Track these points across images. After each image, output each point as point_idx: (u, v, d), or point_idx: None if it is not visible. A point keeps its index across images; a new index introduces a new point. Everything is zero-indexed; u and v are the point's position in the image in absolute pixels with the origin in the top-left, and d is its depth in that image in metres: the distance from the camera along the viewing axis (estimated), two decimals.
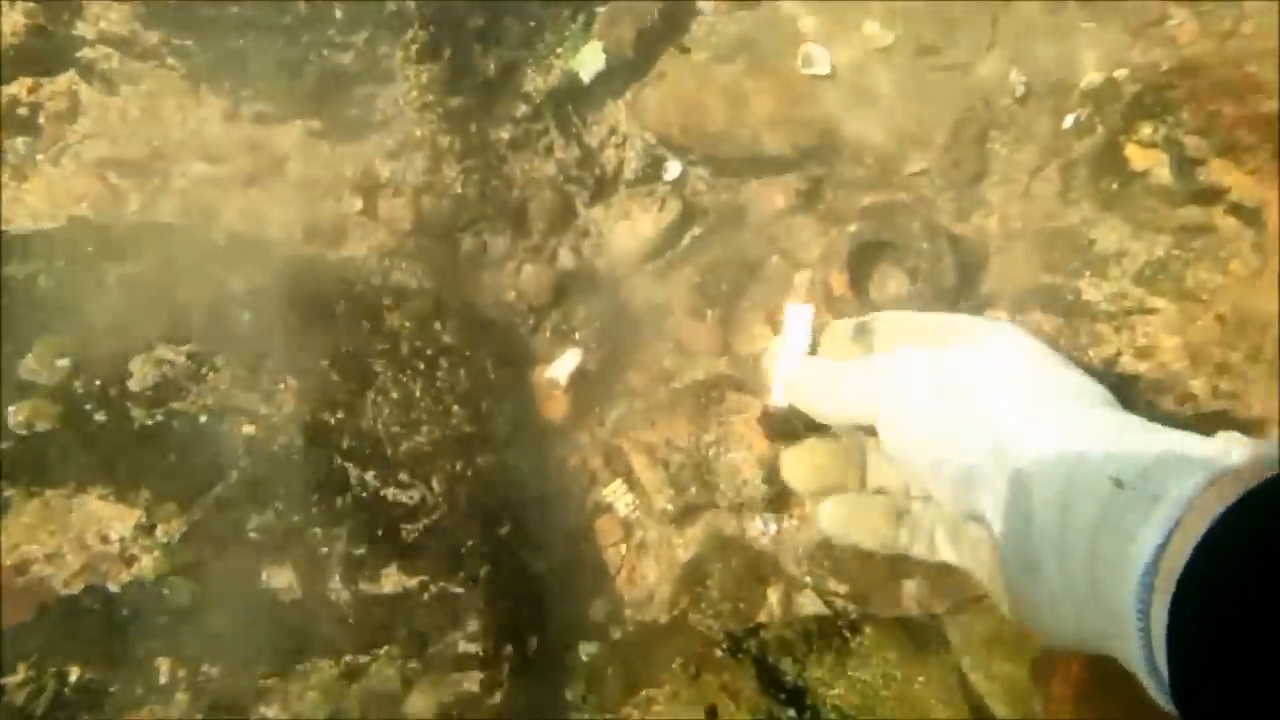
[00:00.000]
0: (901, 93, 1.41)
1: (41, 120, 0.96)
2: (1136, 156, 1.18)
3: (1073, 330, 1.31)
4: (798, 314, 0.60)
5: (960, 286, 1.39)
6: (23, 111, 0.94)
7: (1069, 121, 1.32)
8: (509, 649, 1.06)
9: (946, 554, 0.58)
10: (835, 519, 0.59)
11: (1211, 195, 1.15)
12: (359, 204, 1.11)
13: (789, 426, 0.60)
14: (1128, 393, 1.24)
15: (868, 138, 1.42)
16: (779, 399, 0.59)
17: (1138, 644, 0.41)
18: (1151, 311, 1.23)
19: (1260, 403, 1.13)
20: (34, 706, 0.82)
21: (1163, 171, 1.17)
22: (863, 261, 1.44)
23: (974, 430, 0.51)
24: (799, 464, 0.60)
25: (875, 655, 1.12)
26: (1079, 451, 0.48)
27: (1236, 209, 1.14)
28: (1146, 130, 1.16)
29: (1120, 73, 1.29)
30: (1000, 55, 1.37)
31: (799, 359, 0.59)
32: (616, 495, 1.29)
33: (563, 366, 1.27)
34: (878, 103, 1.41)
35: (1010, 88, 1.36)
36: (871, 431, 0.56)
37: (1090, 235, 1.29)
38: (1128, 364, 1.25)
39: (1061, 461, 0.49)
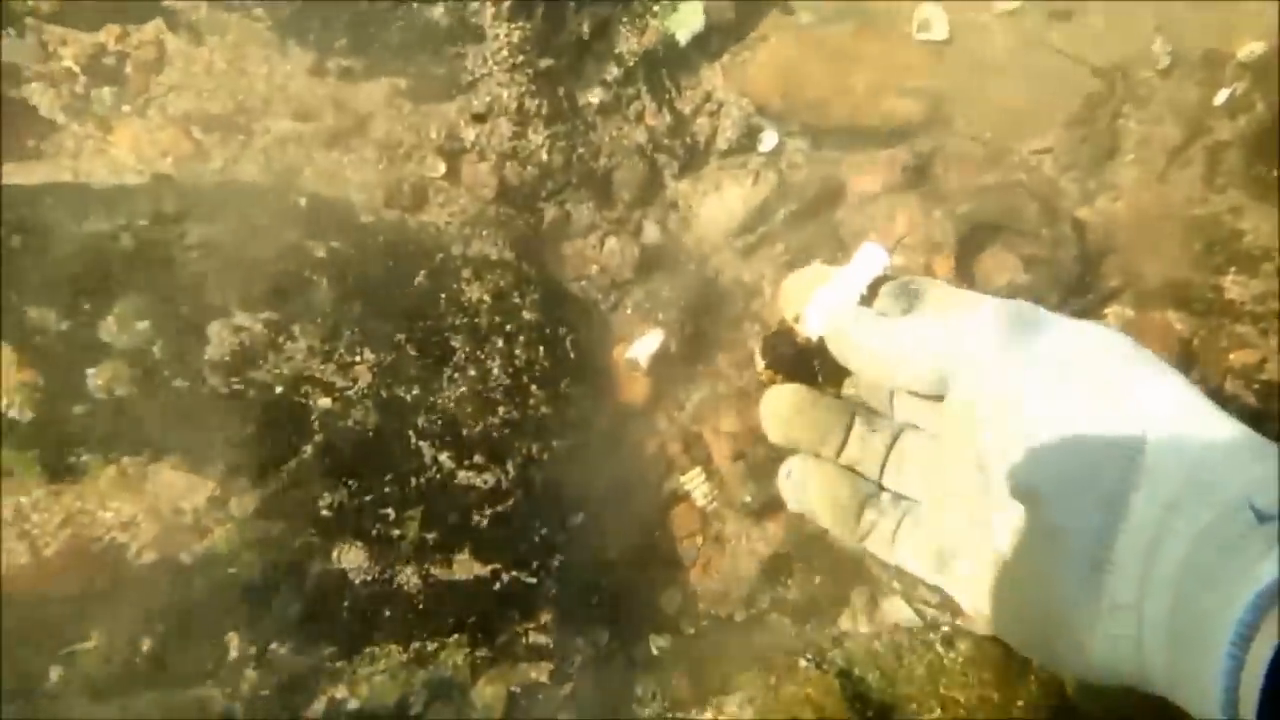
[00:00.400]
0: (1027, 62, 1.28)
1: (128, 70, 0.93)
2: None
3: (1210, 332, 1.18)
4: (873, 255, 0.52)
5: (1082, 277, 1.28)
6: (109, 60, 0.91)
7: (1222, 97, 1.18)
8: (579, 641, 1.01)
9: (905, 555, 0.50)
10: (797, 479, 0.53)
11: None
12: (442, 168, 1.06)
13: (795, 361, 0.53)
14: (1272, 406, 1.11)
15: (985, 111, 1.30)
16: (813, 327, 0.51)
17: (1222, 672, 0.34)
18: None
19: None
20: (106, 671, 0.81)
21: None
22: (971, 245, 1.34)
23: (1107, 406, 0.43)
24: (782, 404, 0.54)
25: (971, 674, 1.04)
26: (1210, 451, 0.40)
27: None
28: None
29: None
30: (1144, 21, 1.23)
31: (851, 297, 0.51)
32: (694, 484, 1.23)
33: (644, 347, 1.21)
34: (999, 73, 1.29)
35: (1153, 58, 1.23)
36: (929, 391, 0.49)
37: (1238, 226, 1.16)
38: (1274, 372, 1.12)
39: (1185, 459, 0.41)
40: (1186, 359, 1.17)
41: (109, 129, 0.93)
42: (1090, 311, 1.27)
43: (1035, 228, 1.29)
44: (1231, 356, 1.15)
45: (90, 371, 0.79)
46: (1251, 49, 1.16)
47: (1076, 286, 1.27)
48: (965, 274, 1.34)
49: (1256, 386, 1.12)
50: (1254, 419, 1.15)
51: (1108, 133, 1.26)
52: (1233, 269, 1.15)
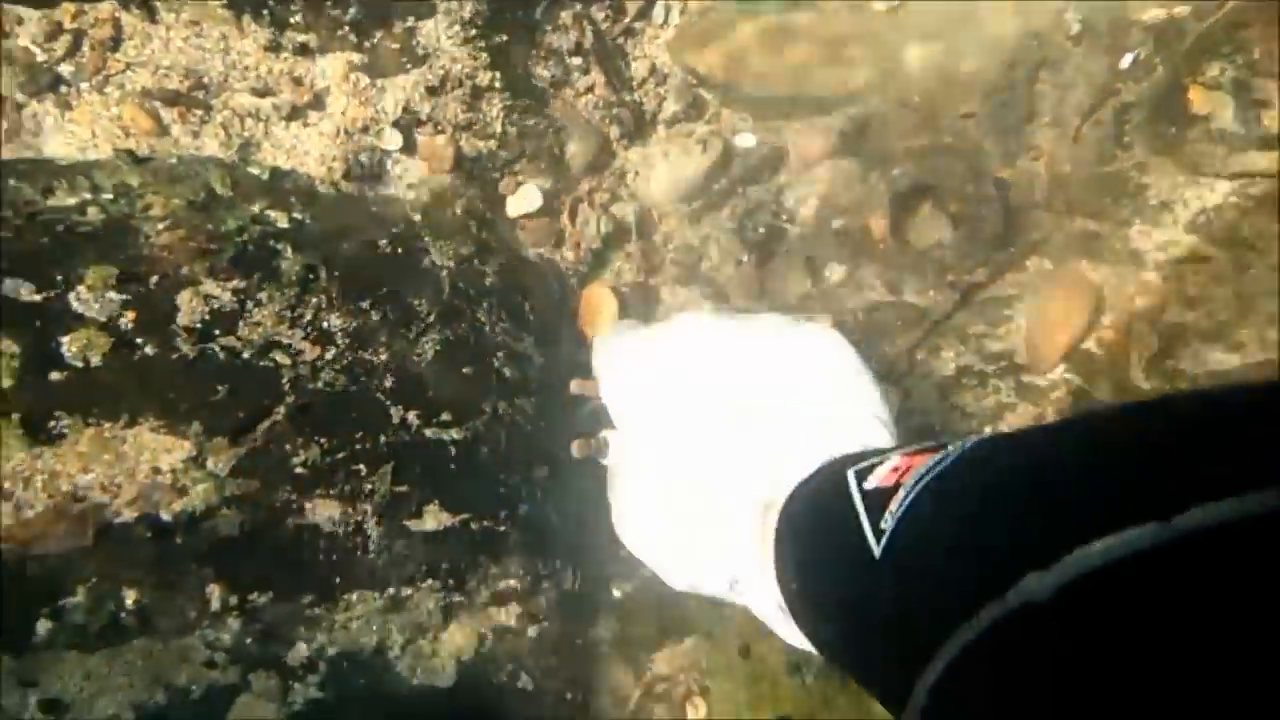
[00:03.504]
0: (952, 28, 1.36)
1: (85, 48, 0.94)
2: (1199, 99, 1.14)
3: (1119, 279, 1.28)
4: None
5: (1004, 233, 1.37)
6: (66, 38, 0.93)
7: (1126, 61, 1.27)
8: (547, 584, 1.07)
9: None
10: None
11: (1276, 141, 1.11)
12: (399, 140, 1.09)
13: None
14: (1176, 344, 1.22)
15: (915, 77, 1.38)
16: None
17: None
18: (1203, 260, 1.20)
19: None
20: (92, 625, 0.85)
21: (1226, 115, 1.12)
22: (904, 206, 1.42)
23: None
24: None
25: None
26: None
27: None
28: (1213, 71, 1.12)
29: (1181, 9, 1.24)
30: None
31: None
32: None
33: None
34: (926, 40, 1.37)
35: (1065, 24, 1.31)
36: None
37: (1143, 181, 1.25)
38: (1174, 314, 1.23)
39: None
40: (1097, 304, 1.26)
41: (68, 106, 0.94)
42: (1013, 263, 1.36)
43: (962, 187, 1.38)
44: (1138, 301, 1.25)
45: (64, 339, 0.82)
46: (1153, 15, 1.25)
47: (1000, 241, 1.36)
48: (899, 233, 1.42)
49: (1161, 329, 1.22)
50: (1159, 356, 1.25)
51: (1026, 97, 1.34)
52: (1138, 221, 1.25)
